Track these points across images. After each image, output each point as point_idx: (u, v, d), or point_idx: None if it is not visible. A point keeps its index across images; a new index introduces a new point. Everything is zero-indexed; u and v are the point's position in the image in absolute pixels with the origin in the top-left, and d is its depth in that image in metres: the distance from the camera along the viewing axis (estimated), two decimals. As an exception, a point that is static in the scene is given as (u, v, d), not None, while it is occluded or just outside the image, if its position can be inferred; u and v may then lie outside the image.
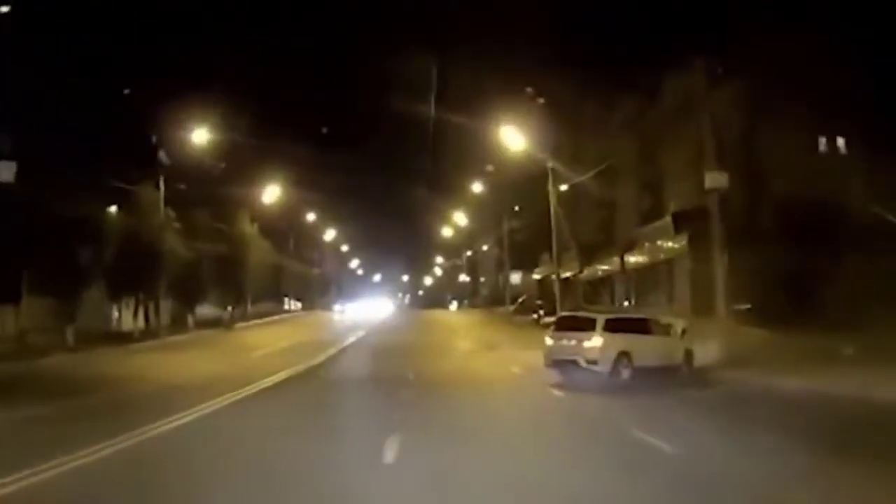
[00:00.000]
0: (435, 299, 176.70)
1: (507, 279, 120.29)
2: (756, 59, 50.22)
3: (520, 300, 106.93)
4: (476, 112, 76.94)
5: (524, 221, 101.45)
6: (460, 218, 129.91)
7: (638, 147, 71.41)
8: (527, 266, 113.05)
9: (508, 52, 78.32)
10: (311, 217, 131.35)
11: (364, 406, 30.08)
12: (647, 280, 74.16)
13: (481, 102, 75.99)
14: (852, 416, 26.35)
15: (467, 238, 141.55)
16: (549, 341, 38.09)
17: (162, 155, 70.54)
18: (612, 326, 36.62)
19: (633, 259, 76.48)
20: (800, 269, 48.09)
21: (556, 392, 33.95)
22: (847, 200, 50.44)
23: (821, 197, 49.96)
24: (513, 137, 67.31)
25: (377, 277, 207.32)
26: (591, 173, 69.18)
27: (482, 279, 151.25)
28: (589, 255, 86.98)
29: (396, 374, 40.54)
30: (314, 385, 37.59)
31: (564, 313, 42.77)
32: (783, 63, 49.58)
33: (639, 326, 38.54)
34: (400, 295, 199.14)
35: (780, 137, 51.76)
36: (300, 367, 43.34)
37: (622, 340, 36.48)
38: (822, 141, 59.29)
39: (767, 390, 32.92)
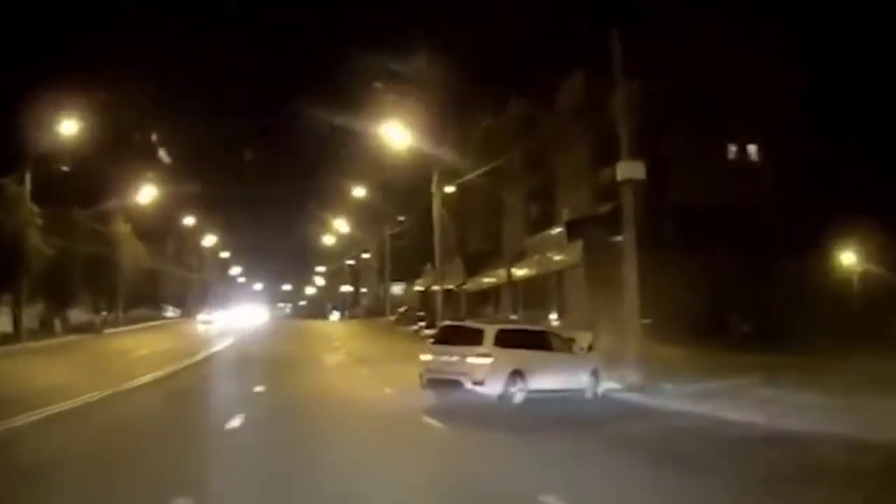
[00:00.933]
0: (317, 309, 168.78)
1: (387, 289, 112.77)
2: (663, 63, 47.59)
3: (401, 310, 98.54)
4: (364, 114, 69.35)
5: (407, 229, 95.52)
6: (342, 225, 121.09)
7: (529, 154, 67.52)
8: (410, 276, 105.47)
9: (399, 56, 73.42)
10: (190, 221, 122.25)
11: (148, 463, 18.16)
12: (536, 292, 68.92)
13: (371, 105, 70.10)
14: (849, 461, 19.76)
15: (350, 246, 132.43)
16: (426, 357, 30.62)
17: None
18: (505, 340, 29.51)
19: (521, 270, 71.61)
20: (705, 279, 46.33)
21: (433, 422, 25.36)
22: (758, 208, 50.98)
23: (728, 204, 50.25)
24: (396, 136, 60.57)
25: (258, 286, 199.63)
26: (478, 172, 64.09)
27: (364, 289, 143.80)
28: (475, 265, 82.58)
29: (241, 393, 32.53)
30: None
31: (447, 323, 35.51)
32: (691, 69, 48.50)
33: (536, 341, 31.64)
34: (281, 304, 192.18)
35: (686, 143, 50.50)
36: (145, 379, 36.52)
37: (516, 357, 29.45)
38: (732, 148, 59.11)
39: (704, 424, 26.10)
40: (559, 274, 63.16)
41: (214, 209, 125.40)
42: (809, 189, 48.99)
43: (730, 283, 48.51)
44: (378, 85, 68.55)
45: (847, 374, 33.08)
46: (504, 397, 28.64)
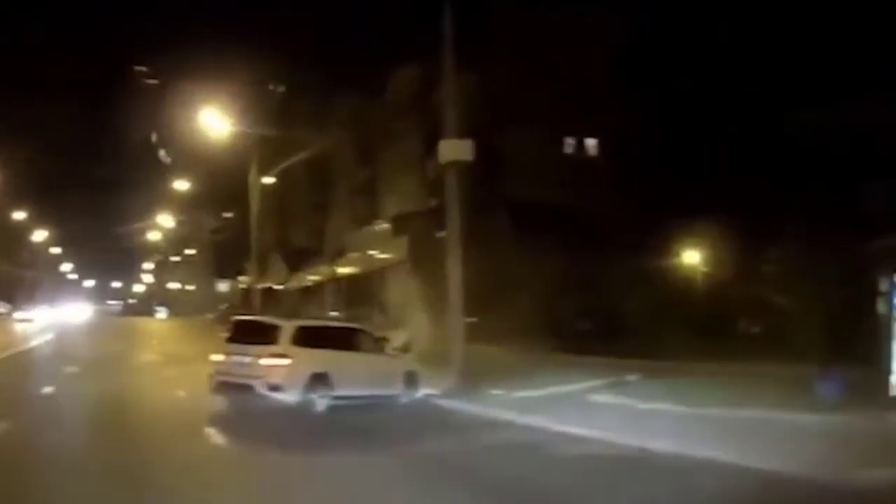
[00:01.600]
0: (145, 307, 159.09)
1: (211, 287, 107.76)
2: (497, 54, 46.86)
3: (222, 308, 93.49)
4: (185, 104, 64.73)
5: (231, 223, 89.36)
6: (166, 220, 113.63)
7: (358, 148, 65.14)
8: (235, 273, 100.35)
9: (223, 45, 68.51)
10: (19, 216, 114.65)
11: None
12: (361, 290, 65.78)
13: (193, 94, 63.80)
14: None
15: (176, 242, 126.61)
16: (217, 356, 26.25)
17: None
18: (305, 338, 25.48)
19: (346, 267, 68.68)
20: (541, 277, 43.63)
21: (215, 438, 21.28)
22: (596, 203, 49.04)
23: (566, 199, 47.96)
24: (215, 126, 55.53)
25: (90, 283, 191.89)
26: (293, 160, 60.33)
27: (190, 287, 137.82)
28: (299, 262, 78.83)
29: (23, 396, 27.82)
30: None
31: (240, 317, 29.85)
32: (528, 61, 47.32)
33: (342, 339, 27.47)
34: (111, 302, 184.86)
35: (522, 137, 47.93)
36: None
37: (318, 358, 25.44)
38: (570, 142, 56.37)
39: (537, 440, 21.86)
40: (384, 271, 60.64)
41: (46, 204, 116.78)
42: (649, 186, 46.73)
43: (568, 281, 45.74)
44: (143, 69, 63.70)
45: (694, 377, 31.03)
46: (304, 405, 24.67)
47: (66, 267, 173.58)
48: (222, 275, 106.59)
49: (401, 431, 23.30)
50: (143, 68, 64.74)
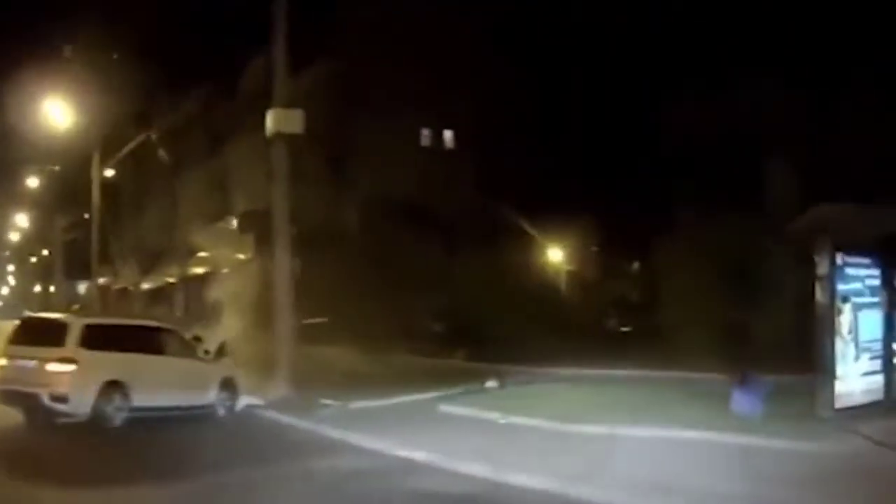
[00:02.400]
0: (11, 310, 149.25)
1: (72, 288, 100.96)
2: (350, 43, 42.86)
3: (73, 309, 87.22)
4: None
5: (81, 221, 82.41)
6: (22, 219, 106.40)
7: (208, 142, 58.48)
8: (87, 273, 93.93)
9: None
10: None
11: None
12: (212, 289, 58.45)
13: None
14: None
15: (35, 242, 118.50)
16: (2, 361, 21.35)
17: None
18: (96, 339, 20.75)
19: (196, 266, 64.24)
20: (392, 274, 40.31)
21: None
22: (453, 199, 45.53)
23: (419, 193, 43.67)
24: (60, 114, 51.30)
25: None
26: (131, 146, 56.55)
27: (52, 288, 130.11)
28: (152, 262, 71.78)
29: None
30: None
31: (27, 315, 26.08)
32: (383, 49, 42.91)
33: (143, 341, 22.41)
34: None
35: (374, 128, 42.93)
36: None
37: (112, 363, 20.86)
38: (426, 133, 53.64)
39: (371, 469, 16.61)
40: (235, 269, 54.90)
41: None
42: (510, 181, 45.29)
43: (423, 280, 42.36)
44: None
45: (563, 383, 27.27)
46: (97, 419, 20.12)
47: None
48: (77, 275, 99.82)
49: (203, 454, 18.08)
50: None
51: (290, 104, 27.35)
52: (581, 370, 30.46)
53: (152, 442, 19.09)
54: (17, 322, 23.06)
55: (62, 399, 19.75)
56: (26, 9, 61.50)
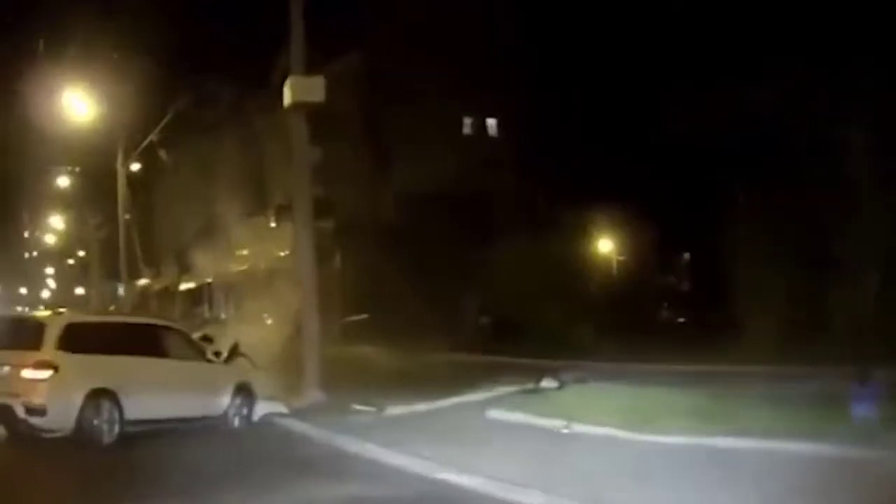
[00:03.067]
0: None
1: (98, 288, 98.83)
2: (386, 29, 42.04)
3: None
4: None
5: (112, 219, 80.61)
6: (56, 221, 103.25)
7: (243, 137, 58.91)
8: (131, 274, 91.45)
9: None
10: None
11: None
12: (251, 288, 56.90)
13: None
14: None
15: (73, 243, 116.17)
16: None
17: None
18: (80, 340, 17.44)
19: (236, 264, 62.12)
20: (435, 267, 39.87)
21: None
22: (498, 189, 45.37)
23: (463, 183, 42.91)
24: (86, 111, 48.25)
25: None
26: (151, 136, 52.30)
27: (93, 290, 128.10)
28: (191, 261, 70.36)
29: None
30: None
31: (1, 314, 23.12)
32: (420, 36, 41.99)
33: (138, 341, 18.94)
34: (19, 308, 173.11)
35: (414, 118, 42.16)
36: None
37: (100, 368, 17.53)
38: (468, 122, 53.00)
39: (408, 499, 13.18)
40: (271, 265, 53.54)
41: None
42: (556, 170, 43.81)
43: (468, 273, 41.95)
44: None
45: (630, 380, 22.57)
46: (82, 434, 16.81)
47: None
48: (117, 276, 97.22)
49: (196, 477, 14.31)
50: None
51: (310, 72, 23.97)
52: (642, 366, 27.15)
53: (140, 461, 15.68)
54: None
55: (38, 411, 16.55)
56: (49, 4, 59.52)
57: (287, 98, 23.67)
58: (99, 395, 17.07)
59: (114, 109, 48.71)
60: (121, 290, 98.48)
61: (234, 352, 21.56)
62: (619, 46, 43.37)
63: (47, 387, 16.60)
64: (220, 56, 52.82)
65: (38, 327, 17.55)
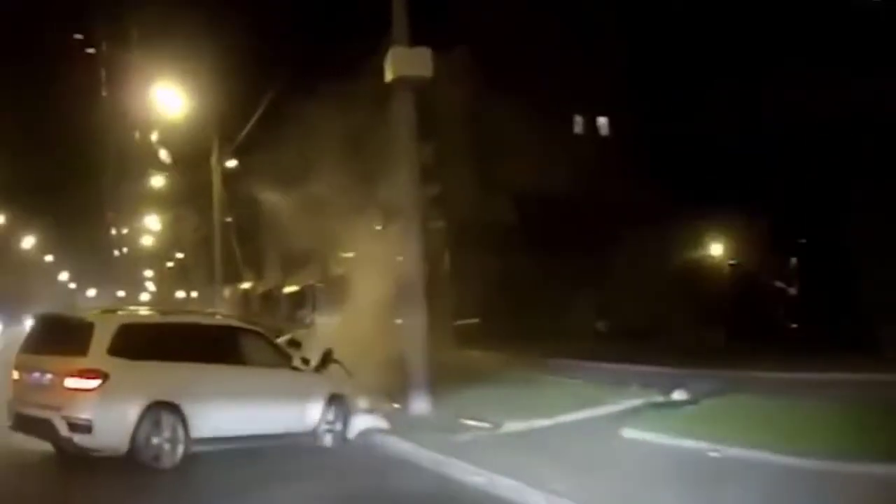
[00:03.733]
0: None
1: (216, 292, 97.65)
2: (493, 23, 41.02)
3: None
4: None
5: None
6: (153, 222, 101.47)
7: (346, 136, 53.73)
8: (231, 277, 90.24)
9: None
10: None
11: None
12: (353, 291, 54.95)
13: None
14: None
15: (171, 245, 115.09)
16: (15, 374, 15.86)
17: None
18: (137, 343, 15.00)
19: (341, 267, 57.15)
20: (548, 269, 39.29)
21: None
22: (611, 189, 43.52)
23: (574, 183, 41.95)
24: (177, 102, 46.67)
25: (91, 292, 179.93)
26: (251, 122, 48.96)
27: (194, 294, 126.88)
28: (295, 263, 69.58)
29: None
30: None
31: (42, 313, 18.49)
32: (524, 29, 41.83)
33: (209, 345, 16.30)
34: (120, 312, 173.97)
35: (524, 115, 39.45)
36: None
37: (162, 376, 15.14)
38: (579, 120, 52.10)
39: None
40: (376, 265, 50.84)
41: (31, 210, 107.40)
42: (668, 172, 42.62)
43: (577, 274, 40.49)
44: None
45: (772, 391, 20.77)
46: (139, 456, 14.37)
47: (63, 276, 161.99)
48: (228, 279, 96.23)
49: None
50: (80, 36, 55.12)
51: (413, 44, 21.29)
52: (772, 374, 24.84)
53: (208, 490, 13.39)
54: (33, 322, 17.40)
55: (83, 428, 14.14)
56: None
57: (389, 73, 21.14)
58: (159, 409, 14.75)
59: (207, 103, 47.62)
60: (225, 293, 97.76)
61: (327, 358, 18.66)
62: (726, 40, 41.89)
63: (94, 399, 14.24)
64: (318, 43, 50.60)
65: (86, 329, 15.04)
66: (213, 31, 51.95)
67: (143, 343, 15.09)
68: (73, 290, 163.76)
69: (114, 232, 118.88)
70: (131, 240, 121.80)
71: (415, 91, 21.52)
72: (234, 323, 18.59)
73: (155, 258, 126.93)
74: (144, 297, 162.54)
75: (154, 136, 61.08)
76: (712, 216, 44.58)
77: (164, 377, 15.06)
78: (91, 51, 52.05)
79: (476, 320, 38.37)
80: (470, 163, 41.66)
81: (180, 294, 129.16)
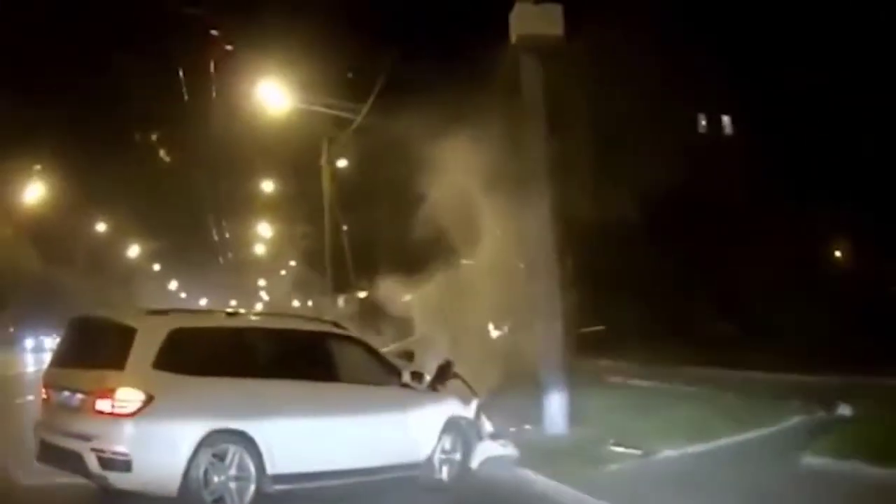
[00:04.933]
0: None
1: (332, 301, 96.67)
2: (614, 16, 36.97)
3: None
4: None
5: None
6: (265, 229, 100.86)
7: (465, 132, 53.39)
8: (345, 285, 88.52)
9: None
10: (101, 227, 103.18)
11: None
12: (473, 298, 53.74)
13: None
14: None
15: (286, 253, 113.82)
16: (43, 393, 12.99)
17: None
18: (191, 353, 12.09)
19: (459, 273, 56.63)
20: (670, 272, 39.82)
21: None
22: (731, 188, 43.25)
23: (697, 184, 41.52)
24: (280, 99, 44.58)
25: (203, 301, 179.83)
26: (361, 116, 45.73)
27: (309, 303, 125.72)
28: (412, 270, 66.81)
29: None
30: None
31: (76, 316, 14.24)
32: (647, 25, 38.56)
33: (287, 356, 13.45)
34: None
35: (646, 114, 40.26)
36: None
37: (225, 396, 12.19)
38: (703, 119, 51.96)
39: None
40: (498, 275, 50.02)
41: (133, 219, 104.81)
42: (790, 171, 42.24)
43: (700, 277, 41.17)
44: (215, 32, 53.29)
45: None
46: (193, 498, 11.54)
47: (172, 285, 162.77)
48: (335, 287, 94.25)
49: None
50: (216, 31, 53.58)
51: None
52: None
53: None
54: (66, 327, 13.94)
55: (119, 464, 11.28)
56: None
57: (513, 33, 18.69)
58: (222, 439, 11.93)
59: (314, 99, 45.44)
60: (340, 302, 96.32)
61: (445, 373, 15.39)
62: (862, 38, 40.52)
63: (133, 427, 11.39)
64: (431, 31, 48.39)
65: (125, 335, 11.96)
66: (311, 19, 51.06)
67: (201, 353, 12.31)
68: (184, 300, 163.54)
69: (220, 237, 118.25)
70: (241, 247, 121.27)
71: (543, 54, 18.96)
72: (326, 328, 15.15)
73: (266, 267, 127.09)
74: (258, 306, 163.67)
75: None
76: (838, 217, 43.13)
77: (229, 397, 12.25)
78: (229, 47, 50.38)
79: (601, 327, 36.22)
80: (587, 161, 40.46)
81: (295, 303, 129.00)
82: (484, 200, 40.11)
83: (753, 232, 41.60)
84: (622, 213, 38.66)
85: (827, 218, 43.30)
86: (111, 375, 11.45)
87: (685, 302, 40.25)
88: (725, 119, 51.71)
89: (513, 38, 18.76)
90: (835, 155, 41.52)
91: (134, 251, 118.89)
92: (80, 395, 11.71)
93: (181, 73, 50.99)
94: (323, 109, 46.36)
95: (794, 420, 18.10)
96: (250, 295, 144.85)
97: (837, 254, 50.52)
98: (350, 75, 52.99)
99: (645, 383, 25.45)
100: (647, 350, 32.12)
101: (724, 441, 16.31)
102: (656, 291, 39.14)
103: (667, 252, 39.44)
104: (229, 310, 23.51)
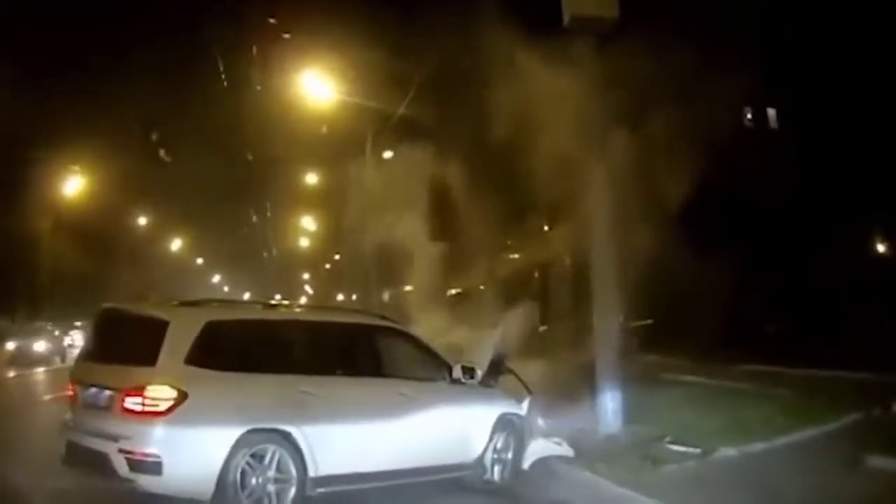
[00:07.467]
0: None
1: (377, 295, 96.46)
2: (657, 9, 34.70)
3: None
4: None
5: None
6: (309, 223, 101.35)
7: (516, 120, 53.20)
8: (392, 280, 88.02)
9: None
10: (142, 221, 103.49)
11: None
12: (523, 290, 53.57)
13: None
14: None
15: (330, 246, 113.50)
16: (71, 389, 12.57)
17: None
18: (226, 348, 11.78)
19: (507, 264, 54.27)
20: (714, 268, 34.58)
21: None
22: (776, 185, 40.86)
23: (743, 179, 39.93)
24: (325, 90, 44.99)
25: (246, 295, 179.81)
26: (403, 104, 45.47)
27: (354, 296, 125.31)
28: (457, 264, 66.32)
29: None
30: None
31: (106, 306, 13.64)
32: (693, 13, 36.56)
33: (330, 350, 13.14)
34: None
35: (692, 106, 34.73)
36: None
37: (263, 393, 11.81)
38: (748, 112, 49.55)
39: None
40: (545, 265, 46.91)
41: (172, 210, 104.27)
42: (839, 167, 40.46)
43: (744, 274, 37.66)
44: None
45: None
46: (230, 502, 11.15)
47: (215, 279, 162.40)
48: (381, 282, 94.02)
49: None
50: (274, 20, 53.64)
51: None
52: None
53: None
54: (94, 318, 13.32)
55: (149, 467, 10.88)
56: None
57: (567, 13, 17.96)
58: (260, 438, 11.57)
59: (359, 89, 45.17)
60: (385, 297, 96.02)
61: (498, 368, 15.05)
62: None
63: (165, 426, 11.01)
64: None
65: (157, 328, 11.57)
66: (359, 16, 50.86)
67: (238, 347, 11.98)
68: (227, 294, 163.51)
69: (263, 230, 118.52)
70: (285, 241, 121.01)
71: (597, 36, 18.57)
72: (371, 321, 14.77)
73: (311, 260, 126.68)
74: (303, 301, 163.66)
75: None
76: (883, 215, 42.79)
77: (268, 394, 11.85)
78: (287, 35, 50.31)
79: (650, 321, 36.08)
80: (632, 154, 40.20)
81: (340, 297, 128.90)
82: (535, 194, 40.12)
83: (802, 227, 41.10)
84: (672, 210, 40.00)
85: (882, 217, 43.27)
86: (141, 371, 11.13)
87: (737, 299, 37.48)
88: (771, 112, 50.44)
89: (565, 19, 18.12)
90: (884, 149, 40.17)
91: (176, 245, 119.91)
92: (108, 392, 11.38)
93: (220, 62, 51.53)
94: (367, 103, 46.13)
95: (852, 417, 17.57)
96: (295, 288, 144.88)
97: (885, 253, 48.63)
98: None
99: (699, 380, 25.12)
100: (699, 346, 31.49)
101: (782, 439, 15.97)
102: (704, 287, 35.66)
103: (712, 247, 35.47)
104: (268, 301, 23.02)
